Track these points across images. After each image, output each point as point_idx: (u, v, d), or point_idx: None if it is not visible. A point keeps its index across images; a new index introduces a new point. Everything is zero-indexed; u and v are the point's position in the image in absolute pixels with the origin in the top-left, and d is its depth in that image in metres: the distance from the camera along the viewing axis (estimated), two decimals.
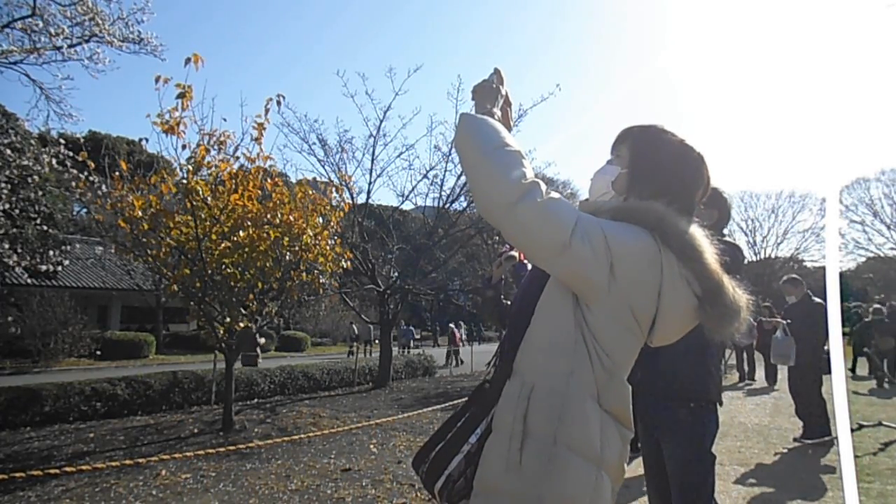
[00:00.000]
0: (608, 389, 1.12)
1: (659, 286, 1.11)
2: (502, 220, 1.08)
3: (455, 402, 8.00)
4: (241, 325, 6.29)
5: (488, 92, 1.30)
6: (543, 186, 1.08)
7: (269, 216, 6.22)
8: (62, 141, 8.78)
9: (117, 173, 6.03)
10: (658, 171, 1.23)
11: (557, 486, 1.04)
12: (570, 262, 1.06)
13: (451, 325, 21.11)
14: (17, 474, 3.68)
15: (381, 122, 10.96)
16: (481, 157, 1.09)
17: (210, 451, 5.02)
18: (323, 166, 11.24)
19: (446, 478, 1.16)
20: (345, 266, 7.48)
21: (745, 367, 11.67)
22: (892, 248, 36.44)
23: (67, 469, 4.36)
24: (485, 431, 1.16)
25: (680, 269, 1.12)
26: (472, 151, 1.12)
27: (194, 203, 5.79)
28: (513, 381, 1.15)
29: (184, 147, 5.88)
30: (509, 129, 1.31)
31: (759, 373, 11.38)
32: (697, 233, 1.16)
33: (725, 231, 2.49)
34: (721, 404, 2.28)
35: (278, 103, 6.29)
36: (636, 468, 3.41)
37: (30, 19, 8.20)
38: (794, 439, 5.73)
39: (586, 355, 1.10)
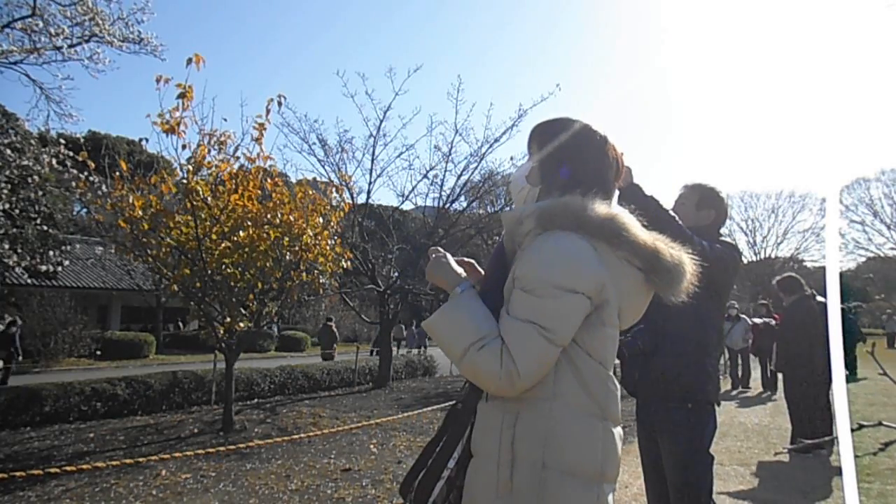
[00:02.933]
0: (599, 393, 1.14)
1: (610, 279, 1.14)
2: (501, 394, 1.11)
3: (455, 402, 7.98)
4: (241, 325, 6.29)
5: (441, 268, 1.26)
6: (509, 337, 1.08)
7: (269, 216, 6.22)
8: (62, 141, 8.81)
9: (117, 173, 6.01)
10: (562, 159, 1.26)
11: None
12: (573, 339, 1.12)
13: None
14: (17, 474, 3.68)
15: (381, 122, 10.92)
16: (458, 361, 1.12)
17: (210, 451, 5.02)
18: (323, 166, 11.22)
19: None
20: (345, 266, 7.48)
21: (739, 373, 10.65)
22: (892, 248, 36.57)
23: (67, 469, 4.35)
24: (462, 455, 1.17)
25: (616, 254, 1.15)
26: (449, 352, 1.14)
27: (194, 203, 5.79)
28: (492, 407, 1.15)
29: (184, 147, 5.87)
30: None
31: (756, 380, 10.58)
32: (619, 212, 1.18)
33: (724, 231, 2.50)
34: (719, 404, 2.28)
35: (279, 104, 6.27)
36: (636, 467, 3.41)
37: (30, 19, 8.22)
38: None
39: (570, 376, 1.12)
